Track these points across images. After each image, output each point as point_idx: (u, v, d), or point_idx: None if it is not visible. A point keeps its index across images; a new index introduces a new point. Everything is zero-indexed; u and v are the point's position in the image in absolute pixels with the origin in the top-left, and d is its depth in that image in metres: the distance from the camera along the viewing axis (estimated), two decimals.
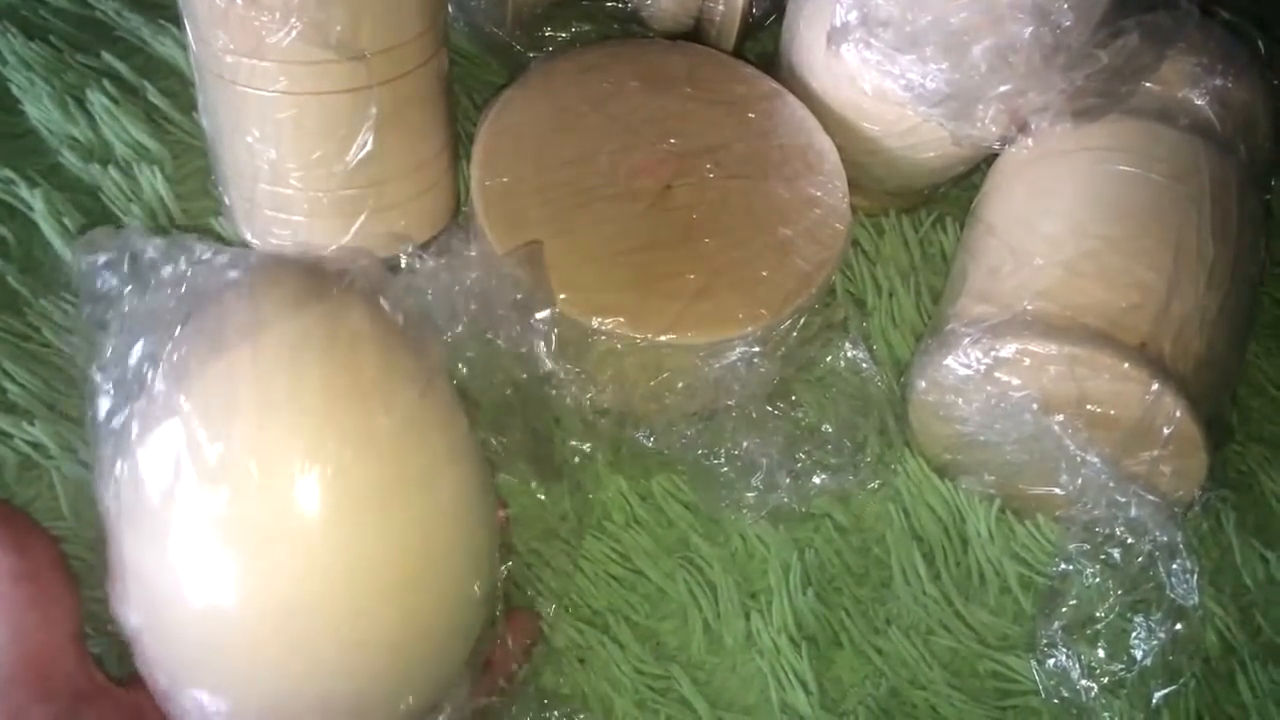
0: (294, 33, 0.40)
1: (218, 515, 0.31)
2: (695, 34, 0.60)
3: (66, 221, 0.49)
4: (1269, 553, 0.47)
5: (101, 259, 0.35)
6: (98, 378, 0.35)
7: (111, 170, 0.50)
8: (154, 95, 0.52)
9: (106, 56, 0.53)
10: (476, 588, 0.36)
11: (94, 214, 0.50)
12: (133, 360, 0.34)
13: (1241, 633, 0.45)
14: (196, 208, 0.51)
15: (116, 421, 0.34)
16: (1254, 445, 0.50)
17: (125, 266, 0.35)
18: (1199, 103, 0.48)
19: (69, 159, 0.51)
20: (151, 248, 0.35)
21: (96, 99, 0.52)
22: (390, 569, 0.32)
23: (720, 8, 0.58)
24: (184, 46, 0.53)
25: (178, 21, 0.53)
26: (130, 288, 0.35)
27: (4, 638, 0.34)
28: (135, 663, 0.35)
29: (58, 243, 0.49)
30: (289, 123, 0.43)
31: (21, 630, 0.34)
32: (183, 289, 0.34)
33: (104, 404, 0.34)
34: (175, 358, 0.33)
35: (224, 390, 0.32)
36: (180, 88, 0.53)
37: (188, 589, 0.32)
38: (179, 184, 0.51)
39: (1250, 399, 0.52)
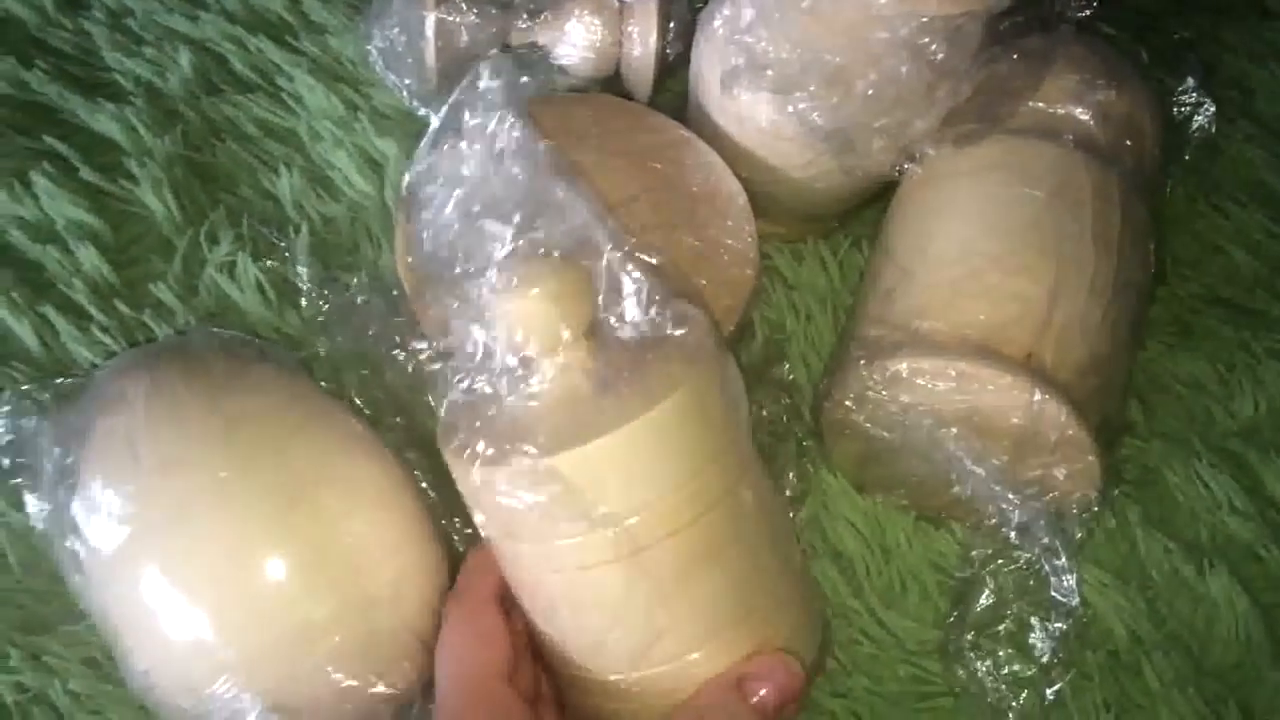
0: None
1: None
2: (616, 78, 0.62)
3: (15, 295, 0.51)
4: (1172, 544, 0.49)
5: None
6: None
7: (51, 249, 0.53)
8: (87, 173, 0.54)
9: (48, 139, 0.55)
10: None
11: (41, 288, 0.53)
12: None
13: (1148, 624, 0.47)
14: (135, 274, 0.53)
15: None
16: (1157, 441, 0.52)
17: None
18: (1082, 117, 0.50)
19: (18, 238, 0.53)
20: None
21: (38, 180, 0.54)
22: (278, 488, 0.39)
23: (635, 52, 0.60)
24: (119, 121, 0.56)
25: (115, 98, 0.56)
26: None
27: (458, 670, 0.37)
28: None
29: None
30: None
31: (473, 662, 0.37)
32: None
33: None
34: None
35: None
36: (117, 161, 0.55)
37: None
38: (118, 253, 0.53)
39: (1152, 395, 0.53)
